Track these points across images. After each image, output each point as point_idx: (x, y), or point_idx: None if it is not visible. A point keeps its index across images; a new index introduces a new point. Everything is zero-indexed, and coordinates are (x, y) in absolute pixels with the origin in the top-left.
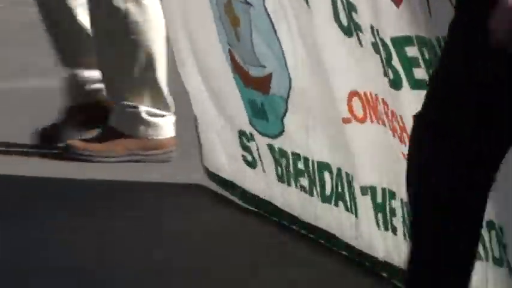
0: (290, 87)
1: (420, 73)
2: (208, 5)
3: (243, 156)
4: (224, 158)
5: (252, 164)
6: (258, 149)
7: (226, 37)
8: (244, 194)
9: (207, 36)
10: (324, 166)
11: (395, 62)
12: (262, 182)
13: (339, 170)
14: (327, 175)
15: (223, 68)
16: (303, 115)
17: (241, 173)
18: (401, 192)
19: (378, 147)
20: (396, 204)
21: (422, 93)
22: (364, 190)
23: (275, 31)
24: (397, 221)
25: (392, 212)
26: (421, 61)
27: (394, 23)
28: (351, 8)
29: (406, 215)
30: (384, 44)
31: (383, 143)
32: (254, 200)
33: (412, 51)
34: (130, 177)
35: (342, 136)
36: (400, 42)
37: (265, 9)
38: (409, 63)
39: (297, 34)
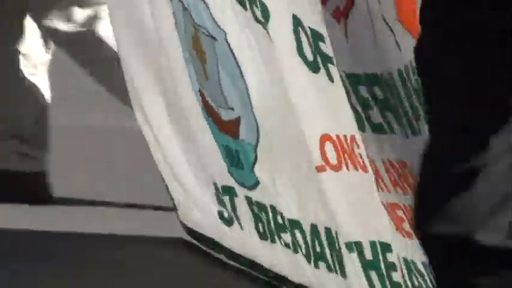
0: (258, 133)
1: (374, 116)
2: (176, 37)
3: (218, 212)
4: (198, 213)
5: (228, 222)
6: (235, 203)
7: (195, 75)
8: (227, 252)
9: (176, 71)
10: (294, 224)
11: (354, 100)
12: (241, 241)
13: (314, 226)
14: (298, 234)
15: (195, 109)
16: (270, 166)
17: (219, 231)
18: (397, 242)
19: (358, 197)
20: (393, 257)
21: (380, 138)
22: (349, 247)
23: (240, 68)
24: (398, 276)
25: (391, 267)
26: (372, 102)
27: (347, 59)
28: (317, 38)
29: (410, 268)
30: (343, 80)
31: (364, 191)
32: (239, 259)
33: (363, 91)
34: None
35: (315, 187)
36: (353, 80)
37: (228, 44)
38: (365, 104)
39: (263, 71)
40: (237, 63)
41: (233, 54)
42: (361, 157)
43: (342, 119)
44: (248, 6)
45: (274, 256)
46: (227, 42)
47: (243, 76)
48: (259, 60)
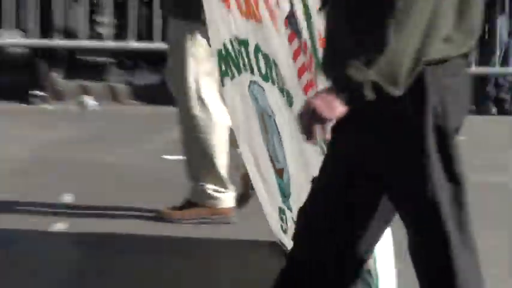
0: (290, 180)
1: None
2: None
3: (281, 226)
4: (274, 227)
5: (284, 231)
6: (286, 219)
7: (266, 141)
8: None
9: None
10: None
11: None
12: (288, 240)
13: None
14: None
15: (268, 164)
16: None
17: (282, 236)
18: None
19: None
20: None
21: None
22: None
23: (280, 138)
24: None
25: None
26: None
27: None
28: None
29: None
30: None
31: None
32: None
33: None
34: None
35: None
36: None
37: (275, 122)
38: None
39: (291, 141)
40: (279, 135)
41: (277, 129)
42: None
43: None
44: (285, 96)
45: None
46: (275, 121)
47: (282, 144)
48: (291, 133)
